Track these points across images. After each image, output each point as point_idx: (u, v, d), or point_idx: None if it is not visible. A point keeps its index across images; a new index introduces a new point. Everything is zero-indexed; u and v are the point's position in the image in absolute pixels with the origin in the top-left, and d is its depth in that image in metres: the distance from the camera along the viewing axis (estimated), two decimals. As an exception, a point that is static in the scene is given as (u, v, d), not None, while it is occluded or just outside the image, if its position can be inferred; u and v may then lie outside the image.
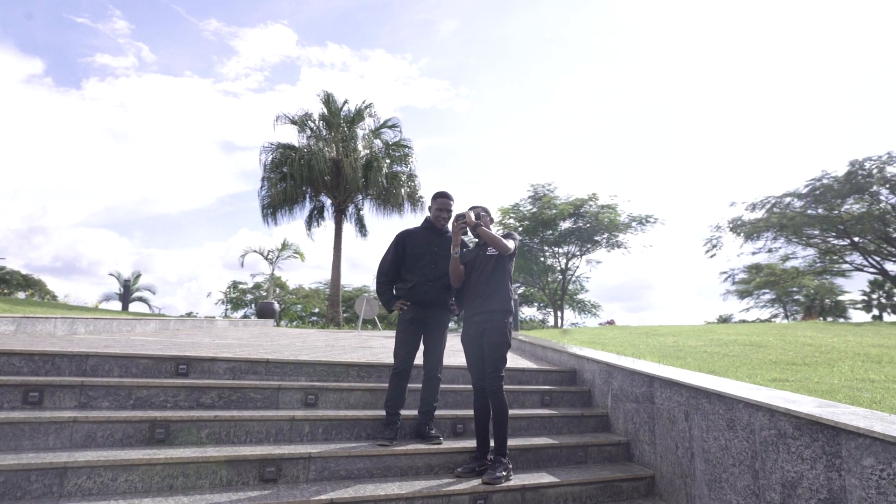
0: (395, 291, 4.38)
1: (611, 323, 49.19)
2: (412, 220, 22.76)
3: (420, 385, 4.43)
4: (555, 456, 4.42)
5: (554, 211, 27.06)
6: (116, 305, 28.54)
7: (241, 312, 44.87)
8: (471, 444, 4.21)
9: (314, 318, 47.44)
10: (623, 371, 4.92)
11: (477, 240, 4.35)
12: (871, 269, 23.41)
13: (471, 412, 4.69)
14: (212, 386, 4.14)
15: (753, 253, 24.97)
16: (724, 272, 31.12)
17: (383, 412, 4.35)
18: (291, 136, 30.38)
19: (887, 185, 20.63)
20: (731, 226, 24.40)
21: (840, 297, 57.12)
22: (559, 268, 29.74)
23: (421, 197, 23.23)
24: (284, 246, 18.67)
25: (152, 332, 8.91)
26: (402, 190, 22.20)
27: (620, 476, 4.13)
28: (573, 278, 30.85)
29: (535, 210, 27.71)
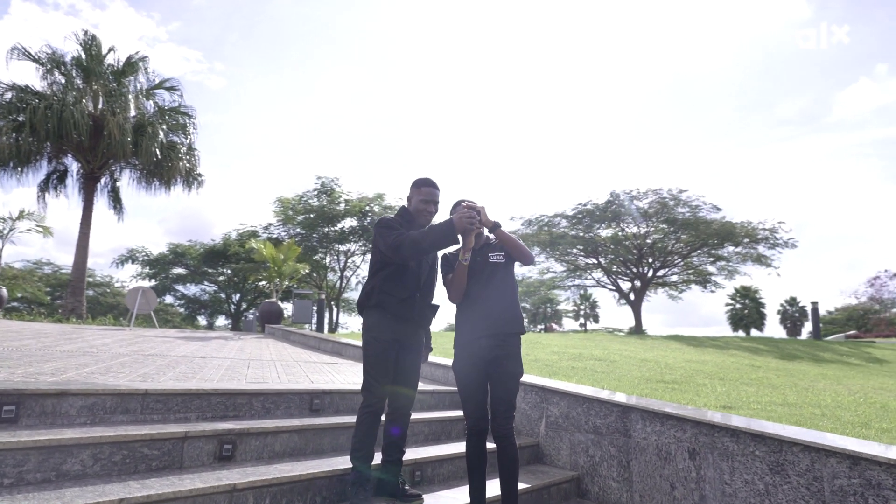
0: (375, 298, 3.21)
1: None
2: (185, 198, 19.73)
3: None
4: (526, 502, 3.74)
5: (344, 206, 26.11)
6: None
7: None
8: (445, 496, 3.34)
9: (15, 304, 38.96)
10: (570, 397, 4.47)
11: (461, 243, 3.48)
12: (610, 287, 27.43)
13: (427, 453, 3.80)
14: (80, 442, 2.54)
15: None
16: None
17: (325, 462, 3.22)
18: (30, 78, 24.27)
19: (630, 217, 24.30)
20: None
21: (558, 307, 66.58)
22: (338, 267, 28.81)
23: (200, 174, 20.27)
24: (22, 215, 14.28)
25: None
26: (181, 164, 19.04)
27: (605, 522, 3.64)
28: (358, 278, 30.16)
29: (322, 204, 26.38)
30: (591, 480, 4.17)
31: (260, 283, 36.22)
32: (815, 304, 15.63)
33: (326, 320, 27.94)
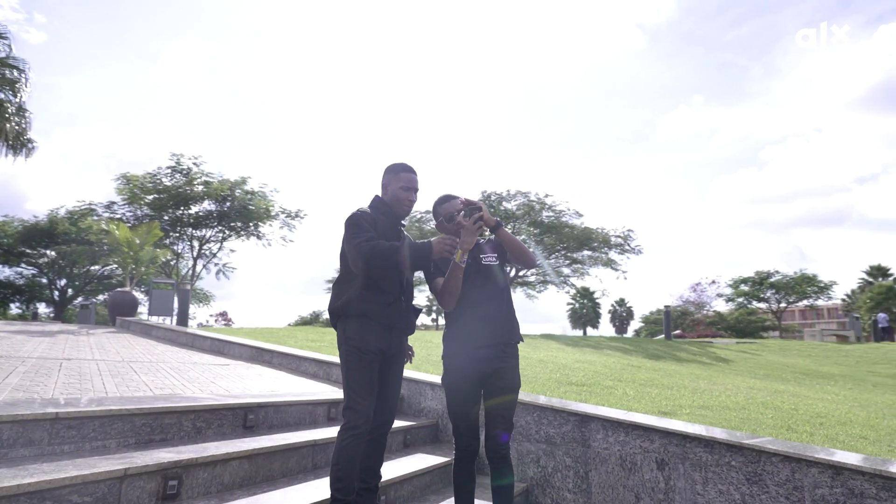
0: (355, 304, 2.75)
1: (224, 315, 46.76)
2: (5, 166, 16.74)
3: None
4: (491, 522, 3.49)
5: (203, 188, 23.88)
6: None
7: None
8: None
9: None
10: (518, 405, 4.29)
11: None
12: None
13: (388, 473, 3.38)
14: (-14, 493, 1.84)
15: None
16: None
17: (289, 494, 2.74)
18: None
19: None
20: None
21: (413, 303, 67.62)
22: (192, 254, 26.36)
23: (31, 140, 17.34)
24: None
25: None
26: (7, 125, 16.08)
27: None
28: (216, 266, 27.73)
29: (177, 184, 23.89)
30: (543, 492, 4.03)
31: (93, 268, 32.26)
32: (667, 308, 17.29)
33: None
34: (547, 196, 24.11)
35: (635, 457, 3.63)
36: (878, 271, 53.48)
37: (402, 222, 3.08)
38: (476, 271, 2.94)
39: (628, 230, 25.15)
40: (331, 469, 2.60)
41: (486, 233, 2.99)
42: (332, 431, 3.65)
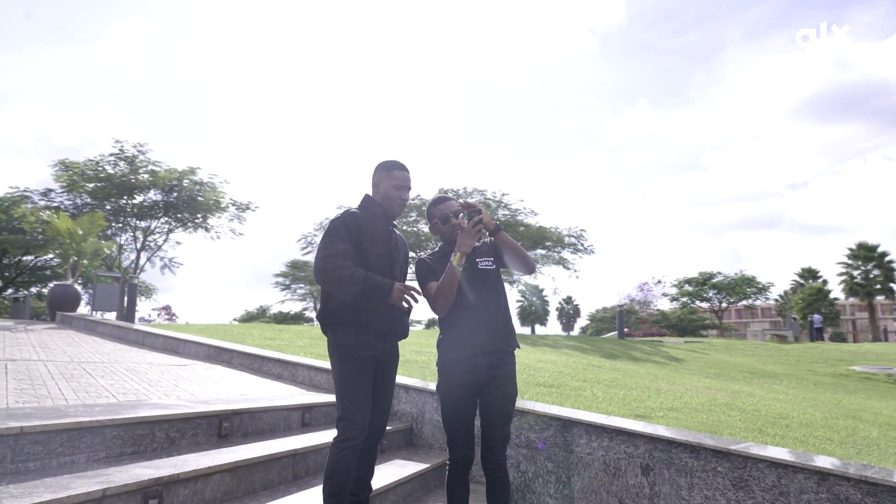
0: (348, 312, 2.61)
1: (167, 310, 45.28)
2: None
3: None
4: (477, 530, 3.42)
5: (147, 177, 22.86)
6: None
7: None
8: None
9: None
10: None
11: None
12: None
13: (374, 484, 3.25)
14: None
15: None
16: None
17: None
18: None
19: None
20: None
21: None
22: (136, 246, 25.25)
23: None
24: None
25: None
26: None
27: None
28: (161, 260, 26.65)
29: (121, 172, 22.78)
30: (523, 497, 3.98)
31: (25, 259, 30.49)
32: (621, 308, 17.67)
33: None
34: (504, 195, 24.27)
35: (619, 462, 3.62)
36: (809, 273, 56.45)
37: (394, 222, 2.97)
38: (473, 276, 2.85)
39: (581, 230, 25.60)
40: (324, 483, 2.46)
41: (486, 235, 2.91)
42: (308, 439, 3.51)
